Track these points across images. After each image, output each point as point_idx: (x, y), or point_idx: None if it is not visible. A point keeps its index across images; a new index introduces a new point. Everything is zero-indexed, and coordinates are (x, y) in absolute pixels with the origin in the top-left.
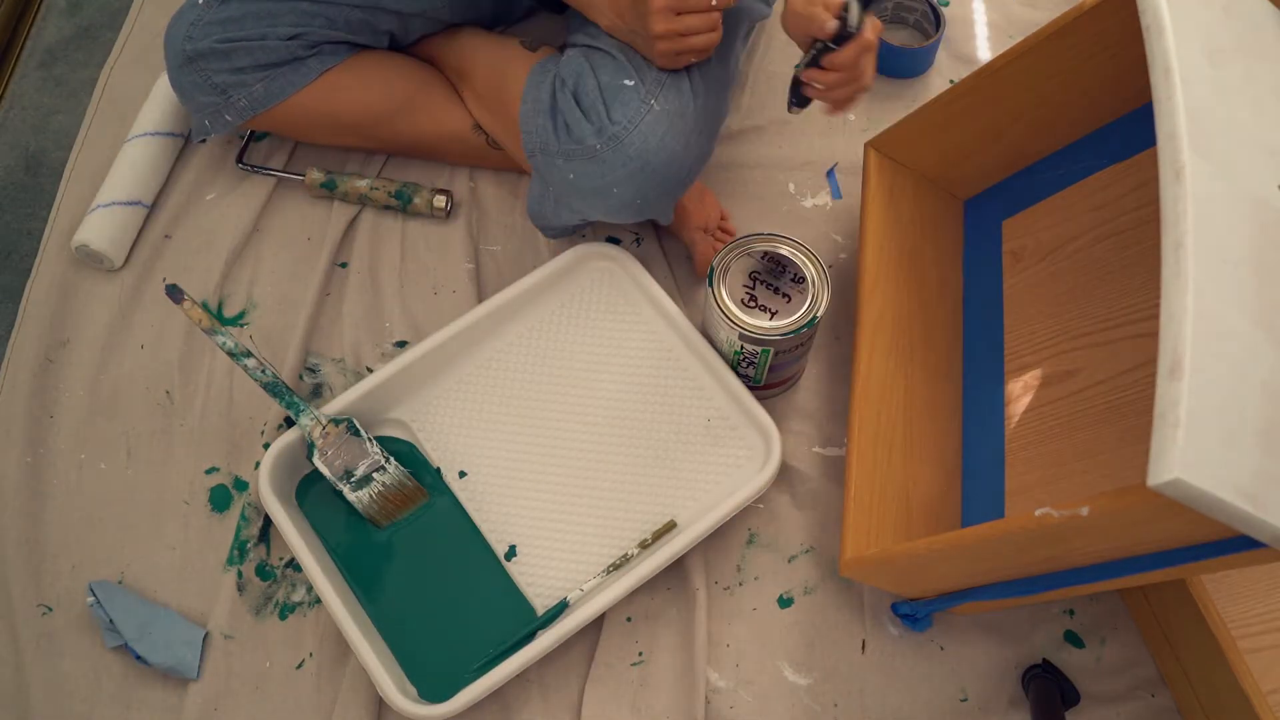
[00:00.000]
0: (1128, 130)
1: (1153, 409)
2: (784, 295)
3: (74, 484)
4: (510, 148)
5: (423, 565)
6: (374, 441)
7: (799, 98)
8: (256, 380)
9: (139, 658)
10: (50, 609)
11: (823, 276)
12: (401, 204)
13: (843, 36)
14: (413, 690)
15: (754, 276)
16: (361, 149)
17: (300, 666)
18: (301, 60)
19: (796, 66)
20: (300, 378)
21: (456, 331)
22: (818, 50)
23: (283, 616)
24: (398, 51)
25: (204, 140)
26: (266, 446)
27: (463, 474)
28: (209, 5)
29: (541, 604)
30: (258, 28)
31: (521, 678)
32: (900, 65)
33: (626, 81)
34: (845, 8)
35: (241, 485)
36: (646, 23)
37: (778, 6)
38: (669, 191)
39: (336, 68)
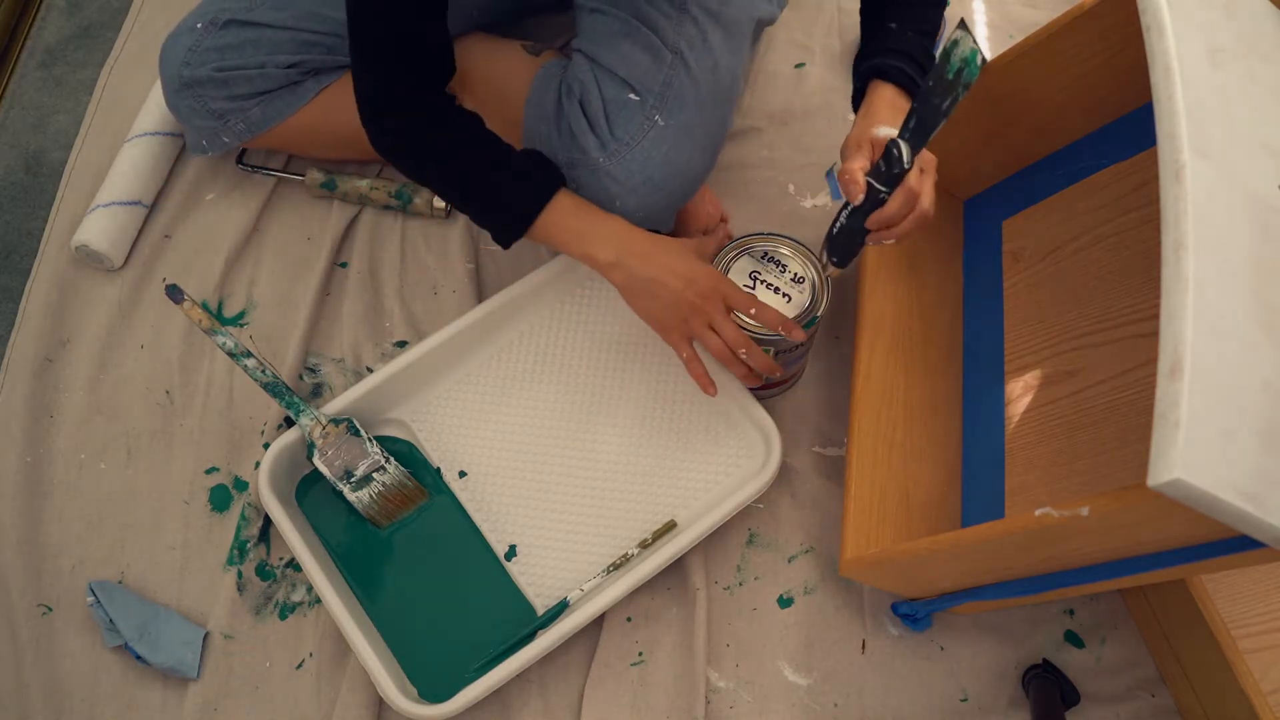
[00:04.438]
0: (1128, 130)
1: (1153, 409)
2: (784, 295)
3: (74, 484)
4: None
5: (423, 565)
6: (374, 441)
7: (841, 255)
8: (256, 380)
9: (139, 658)
10: (50, 609)
11: (823, 277)
12: (401, 204)
13: (891, 179)
14: (413, 690)
15: (754, 276)
16: (359, 160)
17: (300, 666)
18: (297, 83)
19: (837, 224)
20: (300, 378)
21: (456, 331)
22: (863, 209)
23: (283, 616)
24: None
25: (198, 154)
26: (266, 446)
27: (463, 474)
28: (206, 31)
29: (541, 604)
30: (256, 56)
31: (521, 678)
32: None
33: (631, 96)
34: (894, 146)
35: (241, 485)
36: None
37: (784, 11)
38: (671, 204)
39: (332, 86)
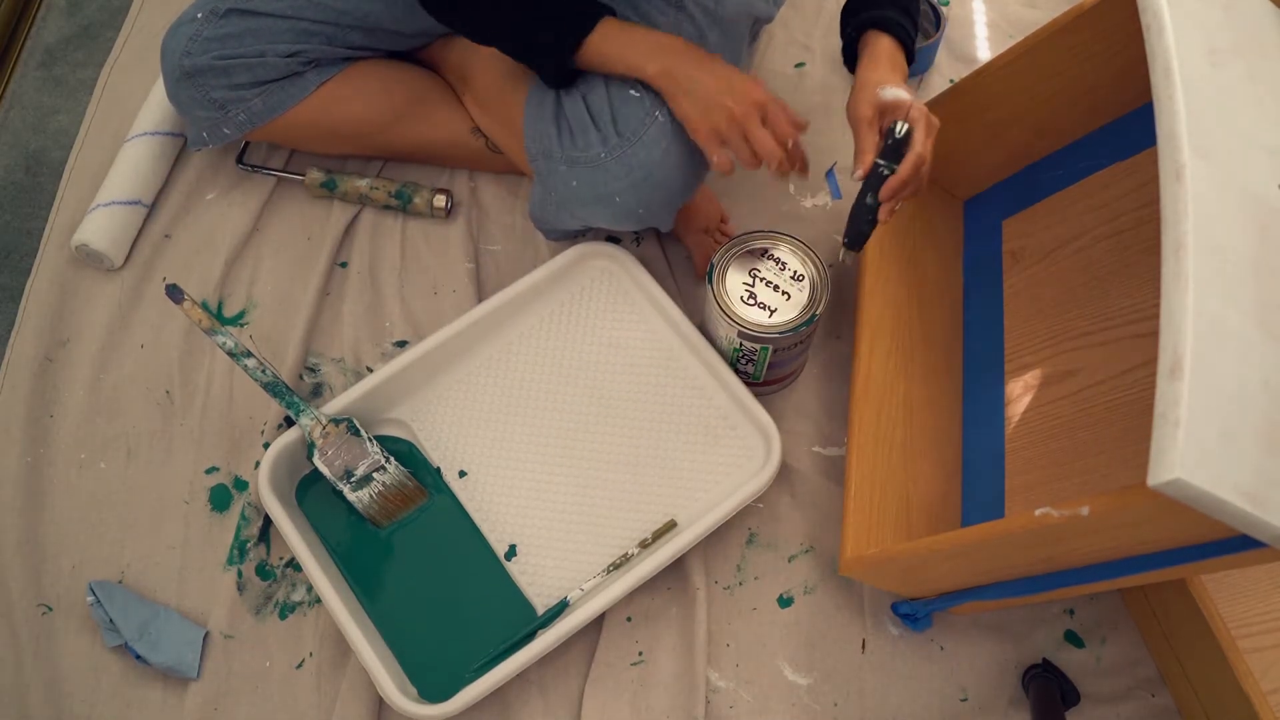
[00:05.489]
0: (1128, 130)
1: (1153, 409)
2: (783, 293)
3: (74, 484)
4: (512, 152)
5: (423, 565)
6: (374, 441)
7: (854, 238)
8: (256, 380)
9: (139, 657)
10: (50, 609)
11: (822, 275)
12: (401, 204)
13: (898, 153)
14: (413, 690)
15: (754, 274)
16: (360, 157)
17: (300, 666)
18: (299, 74)
19: (860, 209)
20: (300, 378)
21: (456, 331)
22: (873, 183)
23: (283, 616)
24: (395, 58)
25: (200, 149)
26: (266, 446)
27: (463, 474)
28: (207, 20)
29: (541, 604)
30: (256, 45)
31: (521, 678)
32: None
33: (633, 92)
34: (894, 123)
35: (241, 485)
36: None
37: (784, 11)
38: (670, 201)
39: (334, 79)
